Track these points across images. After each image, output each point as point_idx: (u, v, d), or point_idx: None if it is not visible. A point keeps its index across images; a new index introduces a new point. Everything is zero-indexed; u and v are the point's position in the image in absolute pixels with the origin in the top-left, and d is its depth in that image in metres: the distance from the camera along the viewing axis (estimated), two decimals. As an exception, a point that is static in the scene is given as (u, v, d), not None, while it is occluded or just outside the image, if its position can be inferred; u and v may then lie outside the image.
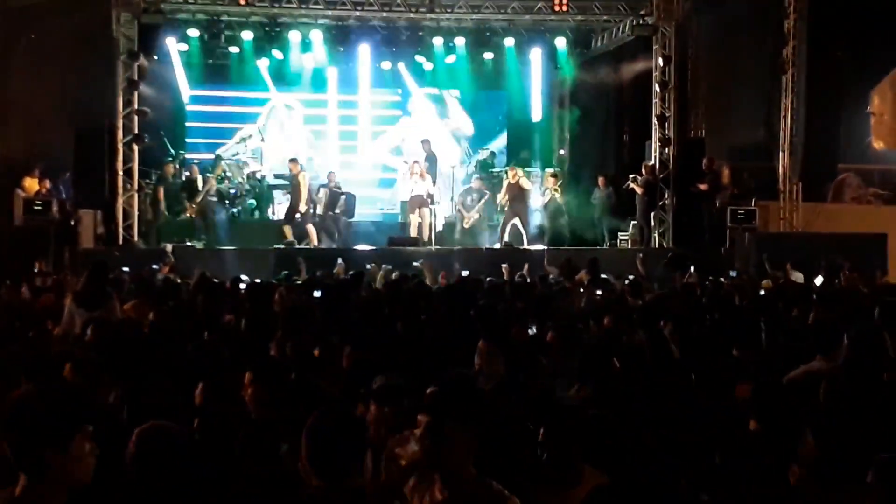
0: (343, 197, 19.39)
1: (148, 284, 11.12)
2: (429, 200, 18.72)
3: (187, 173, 19.16)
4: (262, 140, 21.20)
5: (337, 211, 19.29)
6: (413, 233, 18.53)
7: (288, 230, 18.23)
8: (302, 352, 6.22)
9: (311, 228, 18.27)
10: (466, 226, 19.72)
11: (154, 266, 14.35)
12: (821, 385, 4.89)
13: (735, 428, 4.23)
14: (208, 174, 19.09)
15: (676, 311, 8.11)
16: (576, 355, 5.71)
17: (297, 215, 18.41)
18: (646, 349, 6.13)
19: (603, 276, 12.10)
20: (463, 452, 3.63)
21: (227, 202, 19.86)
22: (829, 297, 10.12)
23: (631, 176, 19.32)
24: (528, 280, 12.31)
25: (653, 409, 4.23)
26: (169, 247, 16.46)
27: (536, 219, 19.27)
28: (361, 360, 5.70)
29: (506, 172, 19.44)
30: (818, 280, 13.15)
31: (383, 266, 14.01)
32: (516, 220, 18.78)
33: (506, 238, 18.71)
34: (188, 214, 18.70)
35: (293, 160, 18.86)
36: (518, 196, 18.70)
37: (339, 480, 3.11)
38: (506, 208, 18.89)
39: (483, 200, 19.81)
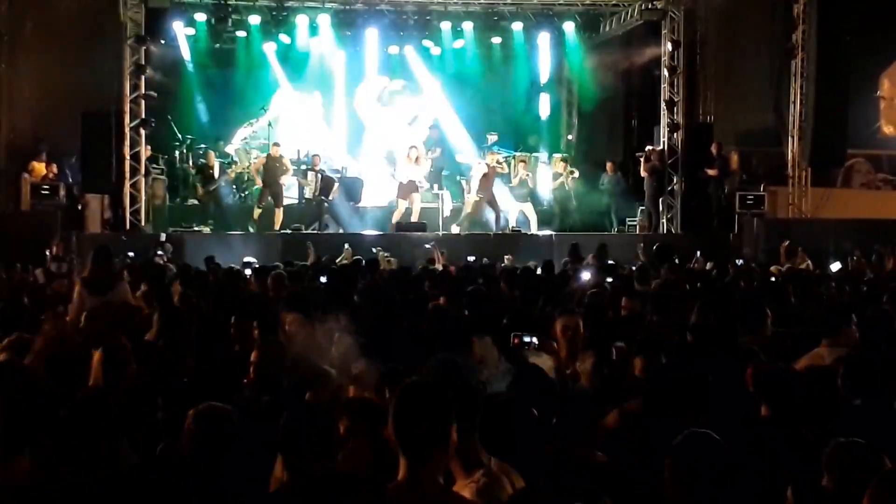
0: (336, 183, 18.98)
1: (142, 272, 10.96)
2: (420, 187, 18.45)
3: (202, 158, 19.17)
4: (270, 125, 21.03)
5: (330, 197, 18.73)
6: (396, 218, 18.23)
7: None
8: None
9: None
10: (470, 210, 19.60)
11: (159, 252, 14.37)
12: (831, 371, 4.90)
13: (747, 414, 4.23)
14: (217, 158, 19.08)
15: (683, 296, 8.10)
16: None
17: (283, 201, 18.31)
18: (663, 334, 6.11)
19: (610, 261, 12.10)
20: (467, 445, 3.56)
21: (234, 187, 19.90)
22: (840, 282, 10.14)
23: (648, 148, 19.21)
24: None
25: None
26: (163, 236, 16.39)
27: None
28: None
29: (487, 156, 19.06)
30: (835, 266, 13.05)
31: (381, 254, 14.02)
32: (525, 206, 18.74)
33: (513, 224, 18.70)
34: (199, 199, 18.75)
35: (276, 144, 18.76)
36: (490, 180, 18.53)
37: (425, 454, 3.11)
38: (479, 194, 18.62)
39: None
